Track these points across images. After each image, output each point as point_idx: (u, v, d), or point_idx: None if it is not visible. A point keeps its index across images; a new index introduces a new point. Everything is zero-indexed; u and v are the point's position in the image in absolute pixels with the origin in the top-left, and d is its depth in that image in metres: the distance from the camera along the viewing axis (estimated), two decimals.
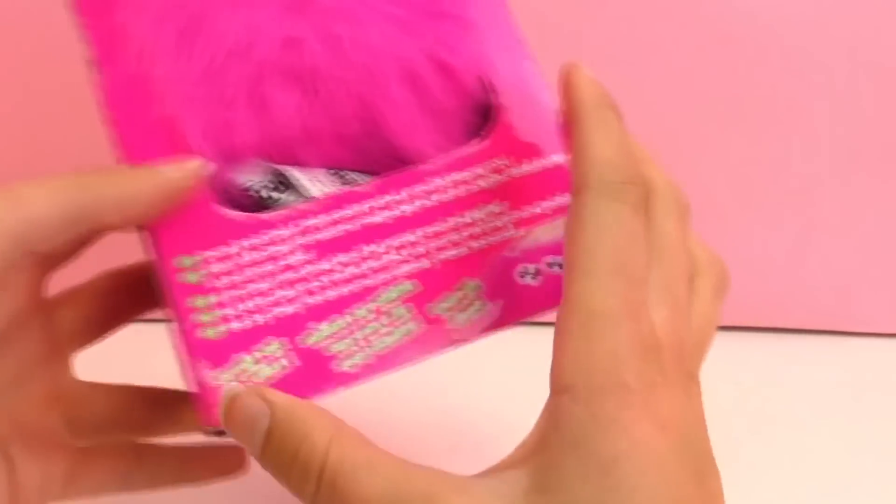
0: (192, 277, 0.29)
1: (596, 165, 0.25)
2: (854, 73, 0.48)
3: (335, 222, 0.31)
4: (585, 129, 0.26)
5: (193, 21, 0.30)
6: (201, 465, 0.36)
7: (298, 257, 0.30)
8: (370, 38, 0.31)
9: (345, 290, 0.30)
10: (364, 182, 0.32)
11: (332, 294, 0.30)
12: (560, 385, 0.24)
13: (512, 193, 0.32)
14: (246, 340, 0.29)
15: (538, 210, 0.32)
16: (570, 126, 0.27)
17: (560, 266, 0.31)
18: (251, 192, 0.32)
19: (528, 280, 0.31)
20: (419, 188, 0.31)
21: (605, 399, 0.23)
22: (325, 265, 0.30)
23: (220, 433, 0.28)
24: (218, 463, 0.36)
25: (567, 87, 0.27)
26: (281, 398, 0.27)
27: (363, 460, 0.25)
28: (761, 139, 0.49)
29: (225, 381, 0.28)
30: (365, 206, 0.31)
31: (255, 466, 0.41)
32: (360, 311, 0.30)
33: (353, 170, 0.33)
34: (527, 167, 0.32)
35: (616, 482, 0.23)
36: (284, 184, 0.32)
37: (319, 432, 0.26)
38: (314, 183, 0.32)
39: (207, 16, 0.30)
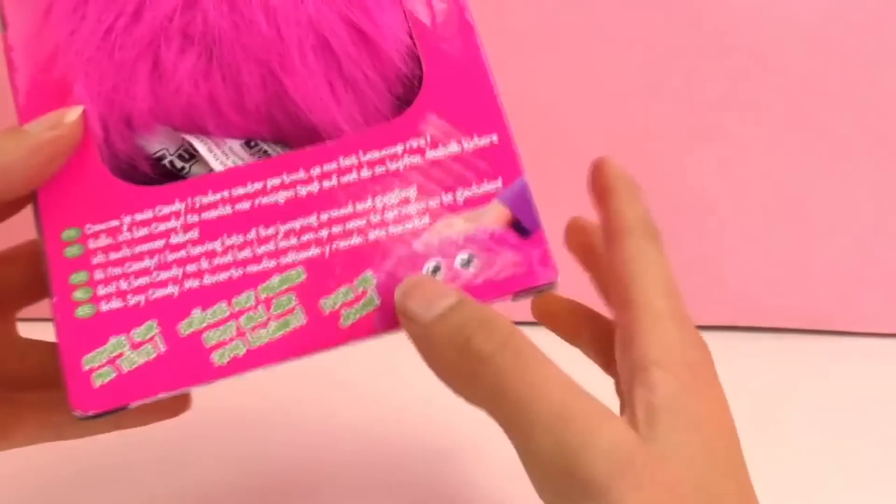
0: (75, 251, 0.28)
1: (634, 219, 0.31)
2: (854, 73, 0.48)
3: (228, 200, 0.28)
4: (620, 196, 0.31)
5: None
6: (138, 410, 0.35)
7: (184, 236, 0.28)
8: None
9: (229, 274, 0.28)
10: (276, 156, 0.30)
11: (214, 278, 0.28)
12: (647, 361, 0.28)
13: (428, 178, 0.29)
14: (121, 322, 0.28)
15: (456, 199, 0.29)
16: (604, 195, 0.32)
17: (467, 264, 0.28)
18: (164, 162, 0.30)
19: (435, 277, 0.28)
20: (324, 167, 0.29)
21: (685, 372, 0.28)
22: (211, 246, 0.28)
23: (90, 418, 0.27)
24: (156, 406, 0.35)
25: (599, 170, 0.32)
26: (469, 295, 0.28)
27: (543, 357, 0.27)
28: (761, 139, 0.49)
29: (96, 364, 0.27)
30: (262, 185, 0.29)
31: (253, 463, 0.43)
32: (242, 299, 0.28)
33: (274, 142, 0.31)
34: (447, 149, 0.29)
35: (701, 441, 0.27)
36: (192, 154, 0.30)
37: (506, 320, 0.27)
38: (218, 155, 0.30)
39: None
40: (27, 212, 0.32)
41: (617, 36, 0.48)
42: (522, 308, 0.33)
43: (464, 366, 0.26)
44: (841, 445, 0.45)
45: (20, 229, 0.33)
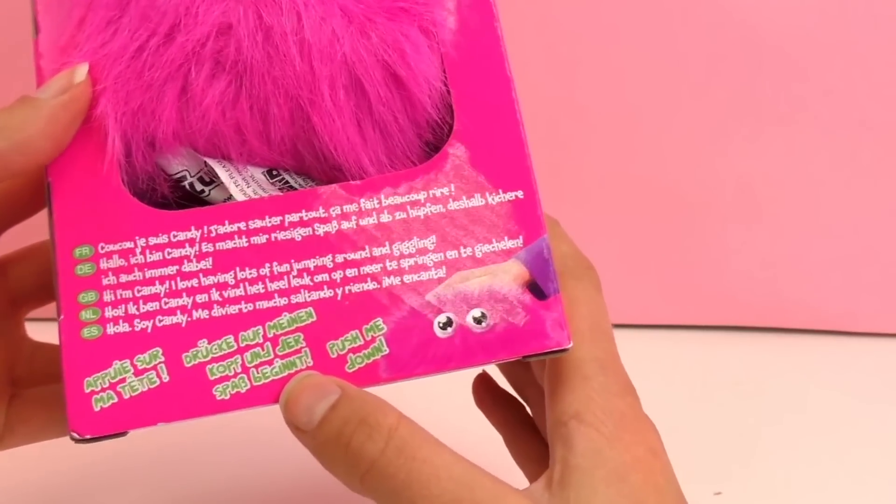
0: (87, 269, 0.28)
1: (562, 256, 0.30)
2: (855, 73, 0.47)
3: (245, 232, 0.28)
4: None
5: None
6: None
7: (196, 265, 0.28)
8: (311, 32, 0.28)
9: (238, 308, 0.28)
10: (302, 189, 0.29)
11: (224, 311, 0.28)
12: (566, 415, 0.28)
13: (448, 229, 0.28)
14: (126, 347, 0.27)
15: (475, 253, 0.28)
16: None
17: (479, 321, 0.28)
18: (184, 184, 0.30)
19: (444, 332, 0.28)
20: (344, 208, 0.28)
21: (606, 422, 0.27)
22: (223, 277, 0.28)
23: (86, 441, 0.27)
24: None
25: None
26: (351, 385, 0.27)
27: (432, 441, 0.26)
28: (762, 139, 0.49)
29: (97, 387, 0.27)
30: (280, 220, 0.28)
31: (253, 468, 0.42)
32: (250, 334, 0.28)
33: (298, 174, 0.30)
34: (470, 201, 0.29)
35: (629, 490, 0.27)
36: (213, 178, 0.30)
37: (390, 409, 0.27)
38: (238, 182, 0.29)
39: None
40: (40, 214, 0.32)
41: (625, 35, 0.48)
42: None
43: (354, 469, 0.26)
44: (841, 445, 0.45)
45: (32, 231, 0.33)
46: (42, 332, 0.34)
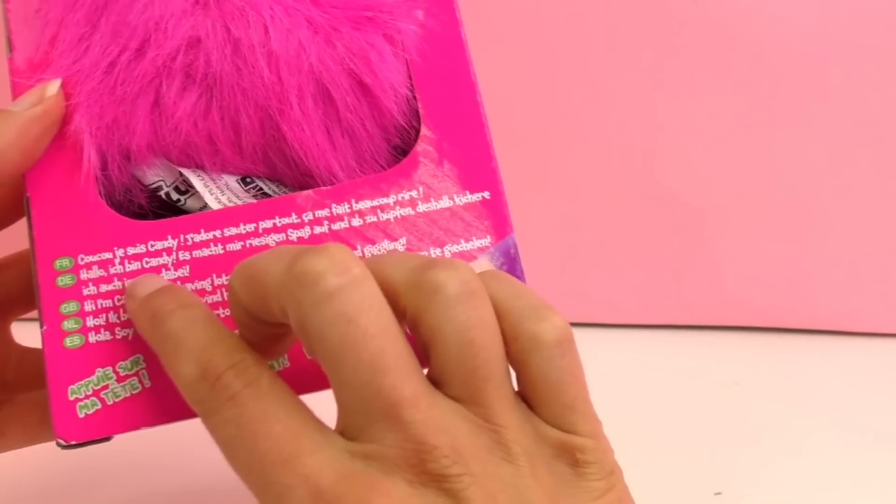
0: (67, 281, 0.29)
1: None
2: (854, 73, 0.48)
3: (220, 240, 0.29)
4: None
5: (96, 11, 0.29)
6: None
7: (174, 273, 0.29)
8: (278, 44, 0.28)
9: (217, 314, 0.28)
10: (277, 196, 0.30)
11: None
12: None
13: (418, 231, 0.29)
14: (109, 355, 0.28)
15: (444, 253, 0.29)
16: None
17: None
18: (160, 193, 0.31)
19: None
20: (315, 213, 0.29)
21: None
22: (201, 284, 0.29)
23: (72, 447, 0.28)
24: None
25: None
26: None
27: None
28: (762, 139, 0.49)
29: (81, 394, 0.28)
30: (254, 227, 0.29)
31: None
32: None
33: (271, 180, 0.31)
34: (438, 203, 0.29)
35: None
36: (189, 187, 0.31)
37: None
38: (213, 190, 0.30)
39: (111, 6, 0.29)
40: (21, 223, 0.33)
41: (614, 34, 0.48)
42: None
43: None
44: (841, 445, 0.45)
45: (16, 237, 0.34)
46: (27, 331, 0.35)
